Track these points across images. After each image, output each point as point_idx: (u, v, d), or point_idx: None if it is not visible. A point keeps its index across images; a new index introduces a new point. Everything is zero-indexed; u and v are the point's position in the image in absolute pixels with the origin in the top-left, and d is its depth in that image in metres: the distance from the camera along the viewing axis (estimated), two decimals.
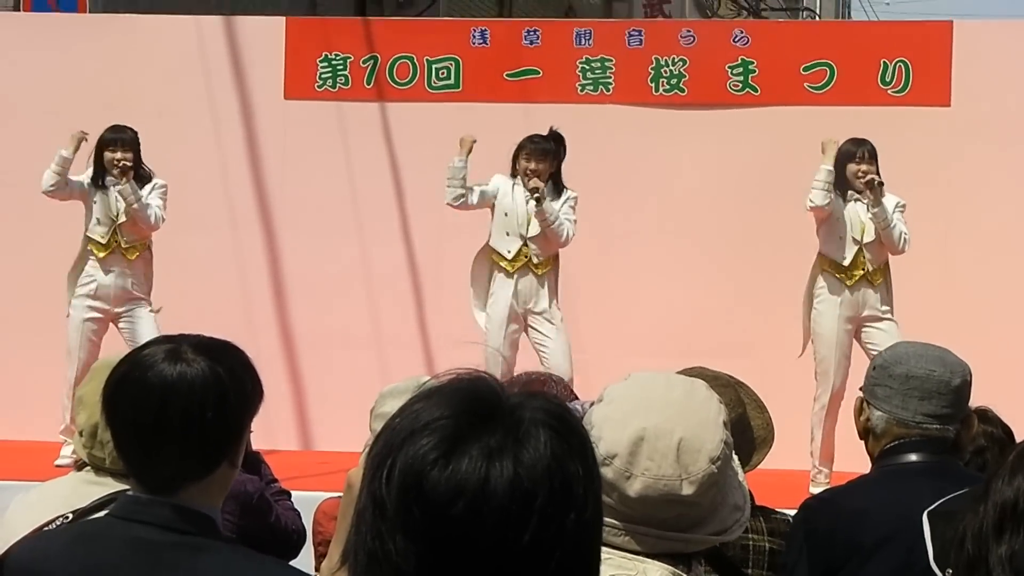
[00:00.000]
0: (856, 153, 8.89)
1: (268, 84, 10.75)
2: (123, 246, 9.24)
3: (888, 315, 8.90)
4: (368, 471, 1.65)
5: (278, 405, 9.60)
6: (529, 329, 9.14)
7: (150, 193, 9.27)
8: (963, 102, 10.17)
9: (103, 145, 9.27)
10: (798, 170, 9.57)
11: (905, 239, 8.84)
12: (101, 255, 9.23)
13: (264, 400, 2.68)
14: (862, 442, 3.59)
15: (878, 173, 8.85)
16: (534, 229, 9.10)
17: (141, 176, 9.27)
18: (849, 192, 8.89)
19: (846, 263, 8.91)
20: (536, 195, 8.98)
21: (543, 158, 9.11)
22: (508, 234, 9.15)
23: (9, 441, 9.86)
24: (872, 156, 8.88)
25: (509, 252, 9.14)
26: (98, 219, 9.24)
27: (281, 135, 10.68)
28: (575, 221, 9.11)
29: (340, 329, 10.34)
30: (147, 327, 9.00)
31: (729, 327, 9.95)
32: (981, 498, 2.24)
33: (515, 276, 9.13)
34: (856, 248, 8.92)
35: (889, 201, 8.87)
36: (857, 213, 8.89)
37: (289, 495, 4.87)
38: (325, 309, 10.42)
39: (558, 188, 9.16)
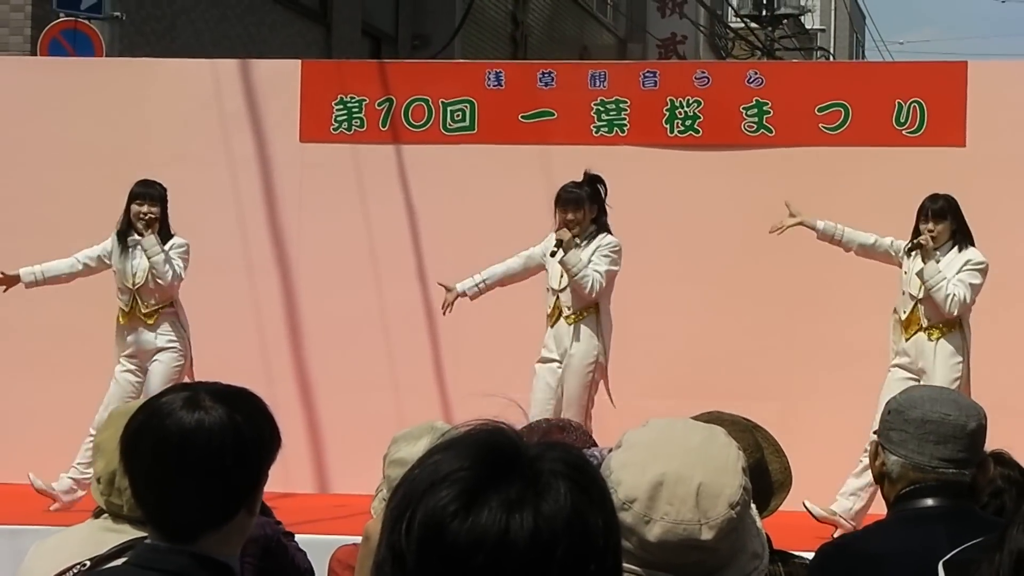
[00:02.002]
0: (924, 211, 8.88)
1: (284, 127, 10.79)
2: (142, 312, 9.31)
3: (949, 364, 8.78)
4: (388, 523, 1.65)
5: (294, 448, 9.59)
6: None
7: (169, 251, 9.30)
8: (978, 142, 10.17)
9: (131, 199, 9.34)
10: (813, 210, 9.57)
11: (953, 300, 8.71)
12: (123, 322, 9.35)
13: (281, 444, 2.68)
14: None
15: (955, 228, 8.82)
16: (565, 281, 9.10)
17: (165, 234, 9.31)
18: (915, 253, 8.90)
19: (904, 317, 8.92)
20: (556, 247, 8.98)
21: (576, 207, 9.09)
22: (547, 289, 9.19)
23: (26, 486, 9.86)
24: (938, 215, 8.83)
25: (548, 307, 9.18)
26: (119, 287, 9.35)
27: (297, 178, 10.71)
28: (607, 271, 9.01)
29: (356, 373, 10.34)
30: (155, 378, 9.13)
31: (746, 368, 9.93)
32: (996, 547, 2.23)
33: (549, 327, 9.18)
34: (912, 303, 8.91)
35: (956, 259, 8.80)
36: (918, 268, 8.89)
37: (293, 536, 4.86)
38: (341, 352, 10.42)
39: (600, 231, 9.13)
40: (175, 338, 9.36)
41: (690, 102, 10.50)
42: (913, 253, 8.93)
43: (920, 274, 8.81)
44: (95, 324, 10.41)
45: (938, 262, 8.82)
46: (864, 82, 10.52)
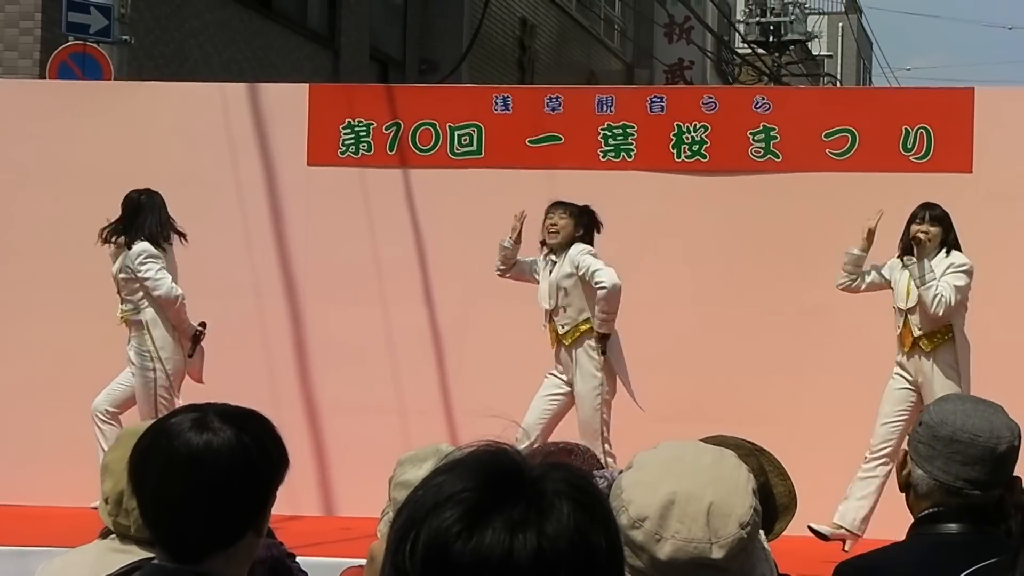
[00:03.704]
0: (918, 215, 8.97)
1: (291, 151, 10.81)
2: (120, 316, 9.39)
3: (942, 376, 8.83)
4: (392, 543, 1.66)
5: (301, 471, 9.56)
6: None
7: (138, 263, 9.34)
8: (985, 169, 10.18)
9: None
10: (821, 236, 9.58)
11: (940, 300, 8.77)
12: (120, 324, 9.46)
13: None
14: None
15: (945, 239, 8.90)
16: (554, 302, 9.15)
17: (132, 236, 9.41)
18: (906, 258, 8.93)
19: (898, 332, 8.95)
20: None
21: (564, 211, 9.30)
22: (542, 310, 9.26)
23: (39, 507, 9.87)
24: (935, 219, 8.92)
25: (543, 327, 9.24)
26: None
27: (304, 201, 10.73)
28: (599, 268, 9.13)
29: (363, 395, 10.35)
30: (135, 394, 9.32)
31: (754, 393, 9.93)
32: (1009, 568, 2.23)
33: (553, 349, 9.27)
34: (902, 316, 8.94)
35: (942, 263, 8.87)
36: (906, 280, 8.94)
37: (295, 558, 4.87)
38: (348, 375, 10.43)
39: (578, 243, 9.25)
40: (141, 352, 9.41)
41: (697, 127, 10.52)
42: (901, 267, 8.96)
43: (911, 271, 8.86)
44: (102, 344, 10.44)
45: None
46: (871, 108, 10.53)
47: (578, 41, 29.97)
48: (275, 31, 19.95)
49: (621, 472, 2.46)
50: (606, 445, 9.07)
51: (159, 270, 9.29)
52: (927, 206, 9.03)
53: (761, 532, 2.44)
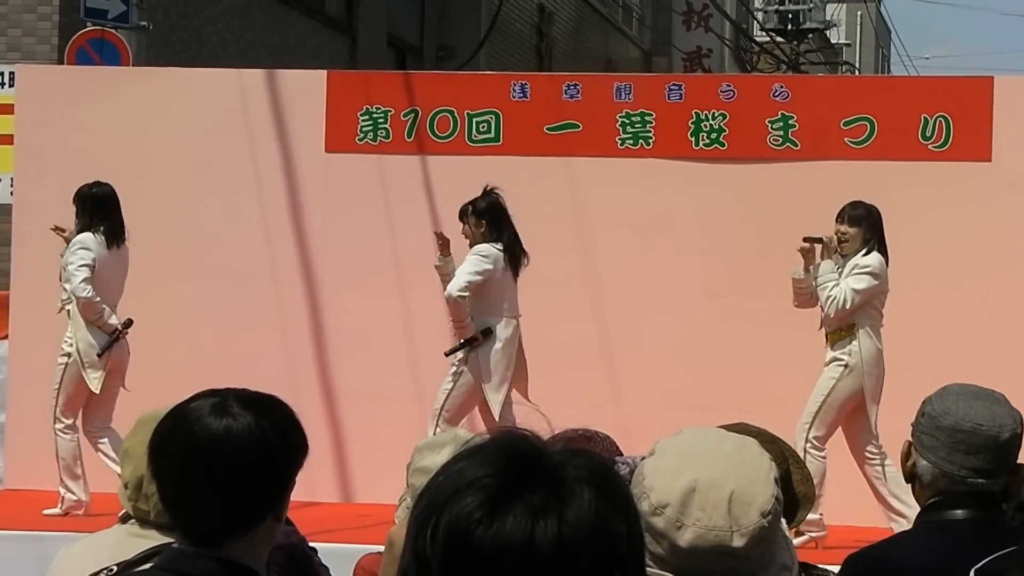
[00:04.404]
0: (839, 214, 9.04)
1: (309, 137, 10.81)
2: (60, 304, 9.48)
3: (830, 364, 8.93)
4: (412, 529, 1.66)
5: (319, 458, 9.55)
6: None
7: (69, 252, 9.36)
8: (1004, 157, 10.15)
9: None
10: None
11: (832, 301, 8.84)
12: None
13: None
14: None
15: (870, 239, 8.94)
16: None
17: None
18: (835, 256, 9.00)
19: (821, 329, 9.05)
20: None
21: (467, 218, 9.42)
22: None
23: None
24: (853, 220, 8.97)
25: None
26: None
27: (322, 188, 10.73)
28: (474, 274, 9.21)
29: (380, 382, 10.36)
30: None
31: (771, 380, 9.90)
32: None
33: None
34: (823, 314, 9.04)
35: (852, 262, 8.93)
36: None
37: (316, 551, 4.87)
38: (366, 362, 10.44)
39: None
40: (66, 339, 9.41)
41: (715, 115, 10.50)
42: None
43: (814, 269, 8.91)
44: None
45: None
46: (890, 96, 10.50)
47: (596, 28, 29.93)
48: (293, 17, 19.95)
49: (643, 458, 2.46)
50: (438, 421, 9.17)
51: (81, 266, 9.27)
52: (850, 205, 9.05)
53: (783, 520, 2.44)
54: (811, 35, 38.86)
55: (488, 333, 9.27)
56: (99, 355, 9.29)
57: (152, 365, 10.34)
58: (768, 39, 36.34)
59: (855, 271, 8.89)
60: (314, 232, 10.69)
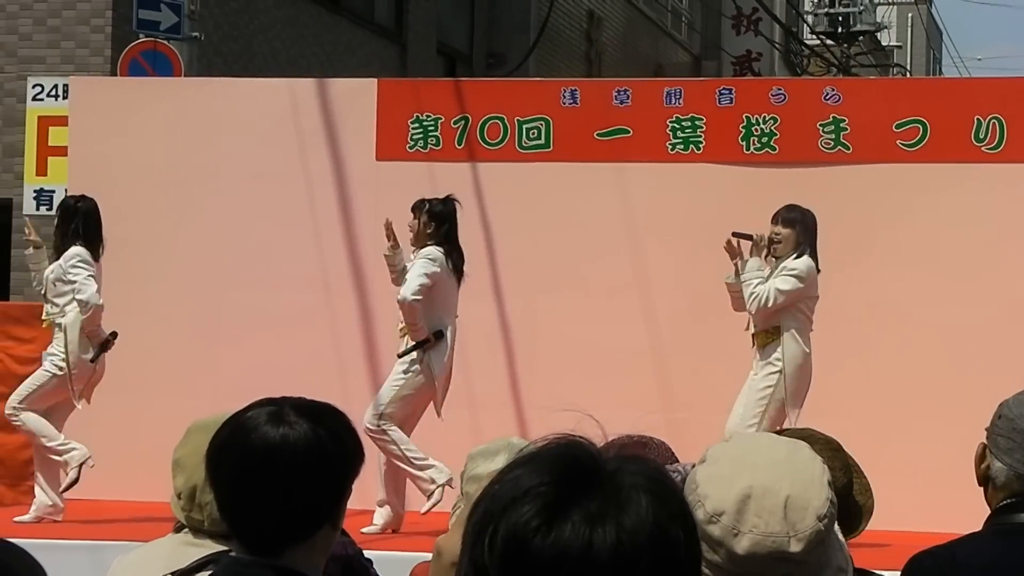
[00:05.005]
0: (776, 215, 9.14)
1: (360, 146, 10.84)
2: (44, 319, 9.55)
3: (763, 371, 9.00)
4: (469, 538, 1.65)
5: (371, 466, 9.61)
6: None
7: (70, 266, 9.41)
8: None
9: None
10: (892, 227, 9.51)
11: (754, 299, 8.95)
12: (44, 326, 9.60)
13: None
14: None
15: (803, 242, 9.04)
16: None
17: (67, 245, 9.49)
18: (769, 259, 9.10)
19: (747, 330, 9.12)
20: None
21: (416, 213, 9.42)
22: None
23: (114, 501, 9.95)
24: (787, 222, 9.10)
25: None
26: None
27: (373, 196, 10.75)
28: (425, 276, 9.20)
29: None
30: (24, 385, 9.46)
31: (829, 385, 9.82)
32: None
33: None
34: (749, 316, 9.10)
35: (778, 265, 9.01)
36: None
37: (372, 563, 4.87)
38: None
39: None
40: (53, 352, 9.47)
41: (766, 119, 10.46)
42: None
43: (740, 265, 9.01)
44: (174, 338, 10.53)
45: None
46: (942, 98, 10.44)
47: (645, 34, 29.88)
48: (343, 26, 20.01)
49: (694, 466, 2.45)
50: (380, 421, 9.18)
51: (88, 276, 9.36)
52: (785, 208, 9.15)
53: (836, 524, 2.42)
54: (861, 38, 38.67)
55: (440, 335, 9.31)
56: (92, 361, 9.41)
57: (205, 374, 10.40)
58: (818, 42, 36.18)
59: (783, 272, 9.02)
60: (365, 240, 10.71)
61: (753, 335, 9.11)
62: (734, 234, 9.11)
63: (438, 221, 9.38)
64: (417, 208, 9.43)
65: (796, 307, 8.99)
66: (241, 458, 2.59)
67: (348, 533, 4.52)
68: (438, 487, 9.15)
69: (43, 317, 9.59)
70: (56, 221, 9.60)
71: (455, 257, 9.40)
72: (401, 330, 9.42)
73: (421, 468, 9.22)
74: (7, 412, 9.44)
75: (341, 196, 10.86)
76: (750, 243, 9.08)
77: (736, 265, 9.13)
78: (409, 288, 9.19)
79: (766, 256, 9.11)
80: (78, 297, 9.35)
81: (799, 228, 9.08)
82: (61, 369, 9.41)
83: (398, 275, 9.55)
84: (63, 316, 9.44)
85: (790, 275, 8.97)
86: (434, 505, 9.04)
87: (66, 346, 9.41)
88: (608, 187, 10.48)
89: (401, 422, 9.30)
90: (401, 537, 8.95)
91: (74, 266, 9.36)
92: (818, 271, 9.13)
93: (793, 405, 8.95)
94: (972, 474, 3.53)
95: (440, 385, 9.32)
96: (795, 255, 9.04)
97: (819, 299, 9.35)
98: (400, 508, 9.38)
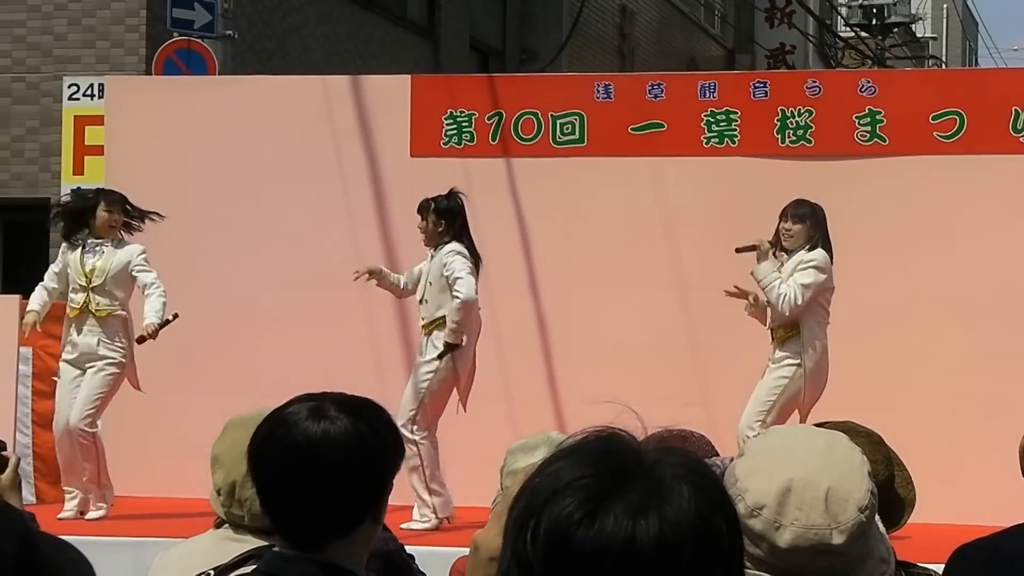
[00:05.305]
0: (783, 212, 9.08)
1: (394, 142, 10.85)
2: (93, 312, 9.46)
3: (780, 363, 8.96)
4: (511, 531, 1.65)
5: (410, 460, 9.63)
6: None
7: (136, 267, 9.48)
8: None
9: (96, 205, 9.55)
10: (929, 219, 9.48)
11: (785, 299, 8.87)
12: (74, 315, 9.49)
13: None
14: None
15: (815, 236, 8.99)
16: (421, 294, 9.36)
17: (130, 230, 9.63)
18: (779, 255, 9.06)
19: (767, 326, 9.09)
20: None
21: (424, 213, 9.41)
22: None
23: (155, 498, 9.99)
24: (797, 217, 9.03)
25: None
26: (72, 287, 9.50)
27: (408, 192, 10.75)
28: (471, 274, 9.18)
29: None
30: (84, 387, 9.35)
31: (868, 379, 9.79)
32: None
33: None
34: (769, 311, 9.04)
35: (796, 261, 8.93)
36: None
37: (414, 558, 4.88)
38: None
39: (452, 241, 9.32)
40: (117, 348, 9.46)
41: (801, 112, 10.43)
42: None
43: (753, 274, 8.90)
44: (203, 337, 10.55)
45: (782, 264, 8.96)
46: (979, 89, 10.39)
47: (678, 27, 29.82)
48: (375, 23, 20.03)
49: (732, 460, 2.44)
50: (412, 426, 9.13)
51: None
52: (794, 203, 9.07)
53: (877, 516, 2.42)
54: (896, 29, 38.49)
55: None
56: (160, 327, 9.45)
57: (242, 370, 10.44)
58: (853, 34, 36.03)
59: (800, 266, 8.94)
60: (400, 236, 10.72)
61: (772, 330, 9.06)
62: (737, 250, 9.06)
63: (448, 217, 9.36)
64: (423, 209, 9.40)
65: (815, 300, 8.96)
66: (282, 453, 2.60)
67: (389, 528, 4.54)
68: (435, 519, 9.13)
69: (95, 309, 9.55)
70: (118, 215, 9.58)
71: (473, 250, 9.39)
72: (427, 327, 9.38)
73: (431, 493, 9.20)
74: (80, 429, 9.40)
75: (376, 193, 10.88)
76: (756, 251, 9.02)
77: (749, 301, 9.08)
78: (470, 287, 9.12)
79: (774, 253, 9.05)
80: (163, 299, 9.38)
81: (810, 223, 9.02)
82: (122, 365, 9.44)
83: (402, 289, 9.55)
84: (121, 310, 9.49)
85: (809, 267, 8.92)
86: (422, 528, 9.00)
87: (129, 344, 9.45)
88: (643, 182, 10.46)
89: (431, 422, 9.29)
90: (442, 532, 8.97)
91: (145, 264, 9.45)
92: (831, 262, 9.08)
93: (811, 398, 8.92)
94: (1016, 466, 3.51)
95: (464, 379, 9.31)
96: (808, 247, 8.98)
97: (852, 293, 9.32)
98: (449, 496, 9.34)
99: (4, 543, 2.01)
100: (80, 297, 9.48)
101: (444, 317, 9.24)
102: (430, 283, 9.34)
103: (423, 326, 9.41)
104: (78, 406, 9.31)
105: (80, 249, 9.52)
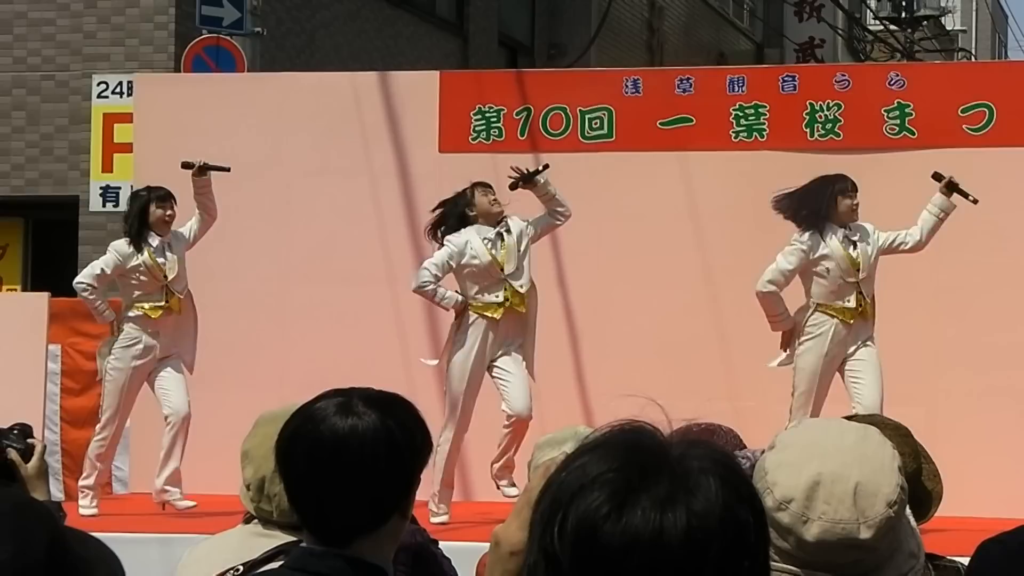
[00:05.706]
0: (848, 187, 9.05)
1: (423, 138, 10.86)
2: (175, 303, 9.58)
3: (869, 341, 8.97)
4: (537, 527, 1.65)
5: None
6: (492, 367, 9.25)
7: (185, 229, 9.72)
8: None
9: (149, 203, 9.63)
10: (958, 212, 9.43)
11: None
12: (156, 316, 9.55)
13: None
14: None
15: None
16: (509, 267, 9.14)
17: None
18: (847, 231, 8.96)
19: (851, 305, 8.94)
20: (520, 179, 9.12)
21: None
22: (488, 284, 9.17)
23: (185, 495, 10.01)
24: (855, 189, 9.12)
25: (497, 297, 9.16)
26: (148, 290, 9.56)
27: (436, 188, 10.75)
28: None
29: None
30: (177, 378, 9.55)
31: (897, 373, 9.75)
32: None
33: (499, 317, 9.18)
34: (855, 290, 8.94)
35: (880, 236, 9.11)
36: (846, 251, 8.95)
37: (437, 543, 4.88)
38: None
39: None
40: (190, 344, 9.68)
41: (830, 105, 10.41)
42: (841, 235, 9.02)
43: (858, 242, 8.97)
44: (247, 333, 10.58)
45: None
46: (1009, 82, 10.35)
47: (707, 22, 29.77)
48: (404, 19, 20.05)
49: (762, 452, 2.44)
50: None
51: None
52: (844, 177, 9.11)
53: (908, 509, 2.41)
54: (925, 22, 38.31)
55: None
56: None
57: (272, 367, 10.46)
58: (881, 28, 35.90)
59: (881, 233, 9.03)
60: None
61: (862, 307, 8.98)
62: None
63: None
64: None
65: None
66: (310, 449, 2.61)
67: (418, 522, 4.54)
68: (441, 513, 9.16)
69: (178, 308, 9.60)
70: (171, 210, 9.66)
71: None
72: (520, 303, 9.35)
73: (444, 484, 9.23)
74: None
75: (404, 189, 10.89)
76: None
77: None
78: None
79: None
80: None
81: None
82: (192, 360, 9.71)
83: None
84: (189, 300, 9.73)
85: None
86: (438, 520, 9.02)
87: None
88: (672, 176, 10.45)
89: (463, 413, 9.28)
90: (468, 527, 8.96)
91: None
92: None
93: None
94: None
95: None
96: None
97: (881, 286, 9.31)
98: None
99: (34, 543, 2.01)
100: (160, 296, 9.58)
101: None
102: (519, 251, 9.21)
103: (526, 293, 9.20)
104: (183, 396, 9.55)
105: (148, 249, 9.58)
